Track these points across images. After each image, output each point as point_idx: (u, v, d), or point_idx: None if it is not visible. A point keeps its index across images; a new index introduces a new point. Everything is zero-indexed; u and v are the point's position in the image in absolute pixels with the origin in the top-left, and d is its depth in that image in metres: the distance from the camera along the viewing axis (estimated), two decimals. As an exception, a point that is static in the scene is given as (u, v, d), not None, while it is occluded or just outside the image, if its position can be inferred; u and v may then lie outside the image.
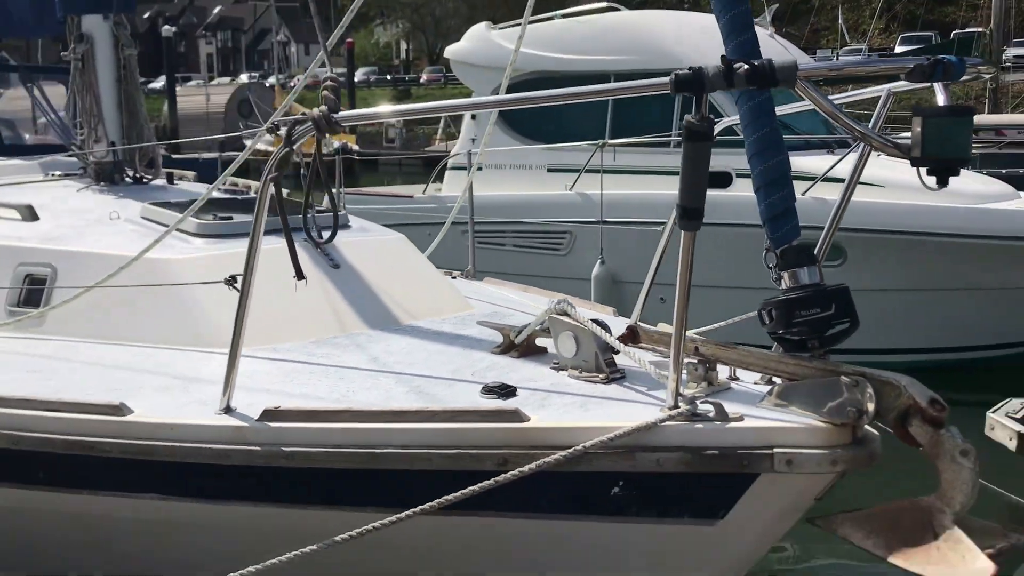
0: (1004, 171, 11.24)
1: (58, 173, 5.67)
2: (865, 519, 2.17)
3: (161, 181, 5.48)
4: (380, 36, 69.24)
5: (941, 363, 7.89)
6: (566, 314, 2.72)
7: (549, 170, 10.02)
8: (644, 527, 2.39)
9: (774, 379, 2.47)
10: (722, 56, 2.01)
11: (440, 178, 10.96)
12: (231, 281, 3.03)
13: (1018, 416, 5.57)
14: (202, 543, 2.80)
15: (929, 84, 2.19)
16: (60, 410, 2.82)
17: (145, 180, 5.34)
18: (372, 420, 2.49)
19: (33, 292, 3.92)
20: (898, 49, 37.17)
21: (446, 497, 2.30)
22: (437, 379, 2.85)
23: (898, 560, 2.05)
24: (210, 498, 2.71)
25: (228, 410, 2.66)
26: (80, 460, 2.81)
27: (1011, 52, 32.05)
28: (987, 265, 8.01)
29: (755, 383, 2.54)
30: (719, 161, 9.58)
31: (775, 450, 2.16)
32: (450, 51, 11.07)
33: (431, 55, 65.74)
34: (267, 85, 45.97)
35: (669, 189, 9.66)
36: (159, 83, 44.01)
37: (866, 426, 2.20)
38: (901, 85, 2.51)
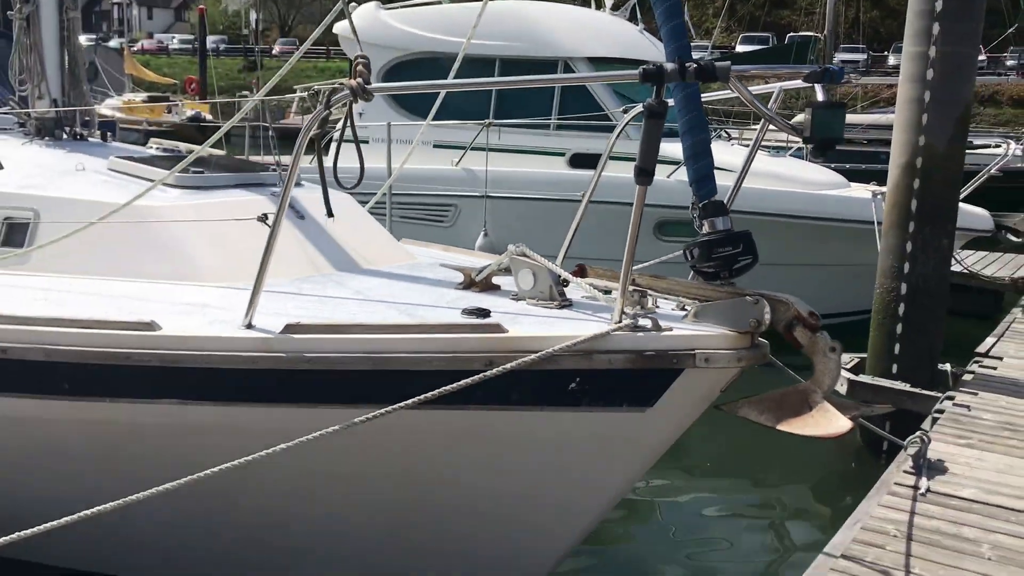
0: (831, 165, 12.66)
1: None
2: (758, 402, 2.97)
3: (96, 139, 5.80)
4: (228, 4, 67.15)
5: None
6: (525, 255, 3.41)
7: (435, 146, 10.61)
8: (592, 415, 3.11)
9: (685, 307, 3.24)
10: (678, 57, 2.74)
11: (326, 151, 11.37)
12: (263, 218, 3.55)
13: (848, 367, 6.68)
14: (216, 443, 3.31)
15: (811, 85, 3.00)
16: (93, 327, 3.28)
17: (83, 137, 5.65)
18: (381, 332, 3.10)
19: (13, 233, 4.27)
20: (739, 48, 39.61)
21: (445, 388, 2.94)
22: (419, 306, 3.49)
23: (783, 427, 2.85)
24: (229, 401, 3.25)
25: (250, 326, 3.20)
26: (108, 371, 3.28)
27: (839, 57, 34.82)
28: (823, 243, 9.19)
29: (671, 310, 3.29)
30: (594, 144, 10.42)
31: (696, 351, 2.92)
32: (339, 27, 11.46)
33: (282, 26, 64.48)
34: (111, 48, 44.08)
35: (548, 168, 10.45)
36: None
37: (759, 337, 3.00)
38: (791, 84, 3.32)
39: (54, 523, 3.04)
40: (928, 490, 4.41)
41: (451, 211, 10.37)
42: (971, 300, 10.36)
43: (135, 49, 51.82)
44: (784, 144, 12.32)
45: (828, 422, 2.75)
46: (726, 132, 10.66)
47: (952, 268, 10.18)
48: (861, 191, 9.56)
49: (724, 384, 3.06)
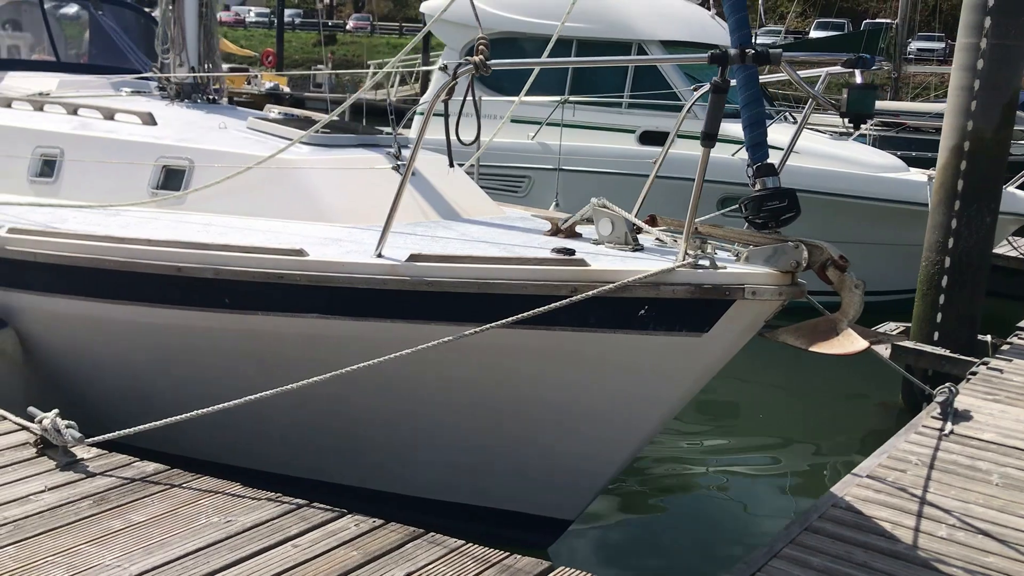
0: (899, 152, 13.05)
1: (128, 90, 6.72)
2: (795, 329, 3.60)
3: (225, 102, 6.61)
4: (303, -22, 68.26)
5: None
6: (605, 206, 4.09)
7: (512, 121, 11.27)
8: (657, 338, 3.77)
9: (738, 253, 3.88)
10: (740, 44, 3.38)
11: (409, 124, 12.14)
12: (398, 168, 4.29)
13: (894, 333, 7.23)
14: (350, 351, 4.03)
15: (852, 69, 3.63)
16: (254, 252, 4.05)
17: (216, 100, 6.46)
18: (486, 263, 3.80)
19: (171, 179, 5.08)
20: (813, 34, 39.41)
21: (536, 310, 3.63)
22: (515, 246, 4.18)
23: (814, 348, 3.48)
24: (361, 316, 3.98)
25: (380, 255, 3.93)
26: (264, 288, 4.04)
27: (915, 45, 34.42)
28: (880, 223, 9.67)
29: (728, 255, 3.93)
30: (663, 122, 11.10)
31: (746, 285, 3.57)
32: (426, 7, 12.20)
33: (356, 1, 65.67)
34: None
35: (619, 144, 11.11)
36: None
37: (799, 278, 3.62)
38: (833, 70, 3.95)
39: (207, 409, 3.80)
40: (952, 432, 5.00)
41: (525, 182, 11.06)
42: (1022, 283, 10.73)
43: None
44: (847, 129, 12.73)
45: (850, 343, 3.38)
46: (792, 115, 11.17)
47: (1008, 253, 10.59)
48: (918, 175, 10.00)
49: (768, 315, 3.70)
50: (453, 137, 3.84)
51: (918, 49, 35.27)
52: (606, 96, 10.59)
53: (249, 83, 35.81)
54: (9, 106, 6.04)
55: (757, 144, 3.62)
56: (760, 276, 3.57)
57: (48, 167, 5.47)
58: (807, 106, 4.03)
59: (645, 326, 3.74)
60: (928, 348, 6.85)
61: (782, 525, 5.32)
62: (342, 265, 3.92)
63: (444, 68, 3.76)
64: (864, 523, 3.88)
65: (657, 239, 4.13)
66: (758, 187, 3.61)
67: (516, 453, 4.26)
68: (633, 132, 10.64)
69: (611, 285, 3.60)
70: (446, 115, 3.74)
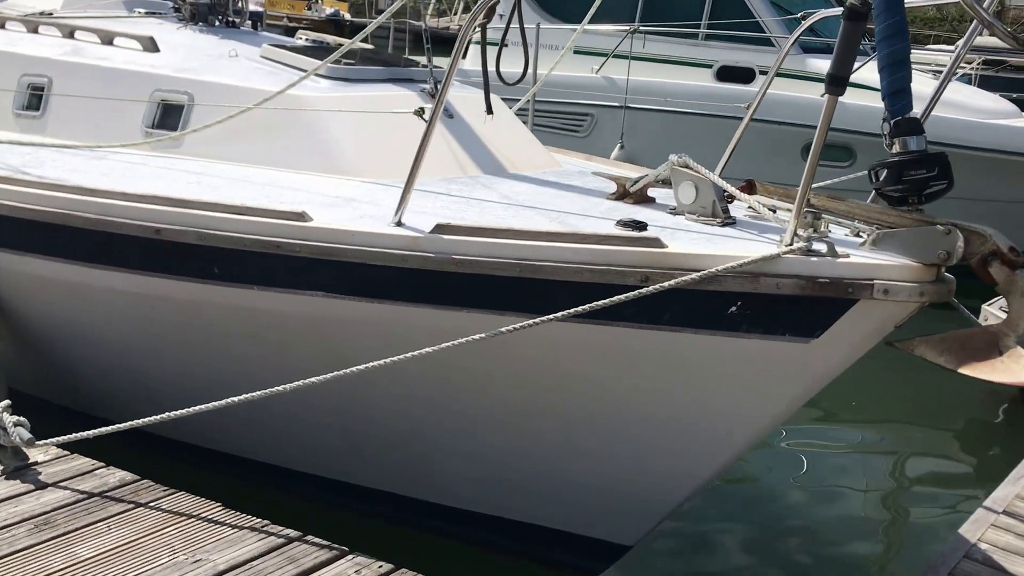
0: (999, 94, 11.72)
1: (142, 11, 5.93)
2: (939, 341, 2.72)
3: (246, 27, 5.79)
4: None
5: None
6: (688, 166, 3.20)
7: (575, 52, 10.26)
8: (749, 342, 2.92)
9: (860, 232, 3.00)
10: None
11: (465, 55, 11.20)
12: (420, 112, 3.45)
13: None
14: (359, 339, 3.28)
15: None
16: (246, 214, 3.27)
17: (235, 24, 5.64)
18: (532, 239, 2.96)
19: (168, 116, 4.30)
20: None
21: (596, 303, 2.80)
22: (570, 214, 3.33)
23: (967, 371, 2.61)
24: (375, 297, 3.20)
25: (400, 224, 3.12)
26: (258, 258, 3.27)
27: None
28: (990, 177, 8.55)
29: (844, 235, 3.04)
30: (743, 57, 9.98)
31: (875, 281, 2.69)
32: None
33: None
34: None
35: (694, 80, 9.95)
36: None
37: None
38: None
39: (201, 407, 3.07)
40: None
41: (587, 121, 10.10)
42: None
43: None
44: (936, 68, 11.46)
45: (1020, 368, 2.50)
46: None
47: None
48: (1034, 121, 8.84)
49: (900, 319, 2.82)
50: (494, 73, 2.97)
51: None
52: (681, 25, 9.48)
53: (310, 8, 34.96)
54: (2, 27, 5.30)
55: (898, 91, 2.69)
56: (895, 269, 2.69)
57: (34, 99, 4.73)
58: (969, 32, 3.06)
59: (735, 327, 2.89)
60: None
61: (878, 550, 4.49)
62: (350, 235, 3.12)
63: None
64: (1009, 585, 3.03)
65: (750, 209, 3.24)
66: (896, 148, 2.70)
67: (569, 467, 3.47)
68: (710, 67, 9.56)
69: (695, 275, 2.75)
70: (483, 44, 2.88)
